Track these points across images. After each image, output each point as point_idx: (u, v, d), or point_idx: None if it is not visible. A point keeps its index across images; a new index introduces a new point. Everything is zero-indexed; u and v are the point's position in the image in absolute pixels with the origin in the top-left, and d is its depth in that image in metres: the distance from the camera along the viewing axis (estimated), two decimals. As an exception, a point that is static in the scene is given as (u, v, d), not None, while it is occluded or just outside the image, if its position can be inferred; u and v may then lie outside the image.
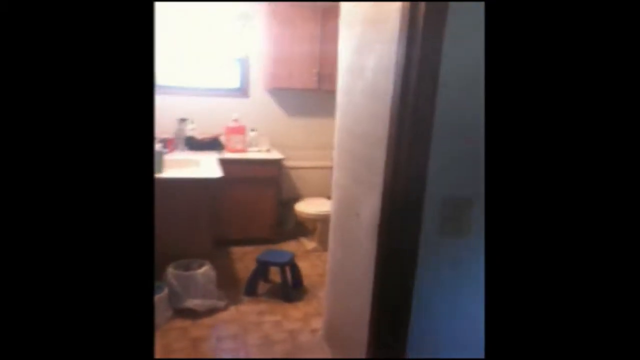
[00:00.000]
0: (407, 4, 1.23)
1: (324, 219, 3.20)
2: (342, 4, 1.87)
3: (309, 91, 3.69)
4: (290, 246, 3.54)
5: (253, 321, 2.41)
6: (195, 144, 3.37)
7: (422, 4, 1.17)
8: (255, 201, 3.41)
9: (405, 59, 1.24)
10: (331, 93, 2.00)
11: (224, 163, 3.19)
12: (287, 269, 2.75)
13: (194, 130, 3.45)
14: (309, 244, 3.58)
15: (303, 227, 3.75)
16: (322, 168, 3.80)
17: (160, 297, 2.23)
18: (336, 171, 2.04)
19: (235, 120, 3.45)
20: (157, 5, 3.29)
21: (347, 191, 1.86)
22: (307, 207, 3.49)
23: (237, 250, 3.37)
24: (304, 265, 3.15)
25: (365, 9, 1.62)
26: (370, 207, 1.58)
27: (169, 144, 3.22)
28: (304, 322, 2.46)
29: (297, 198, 3.79)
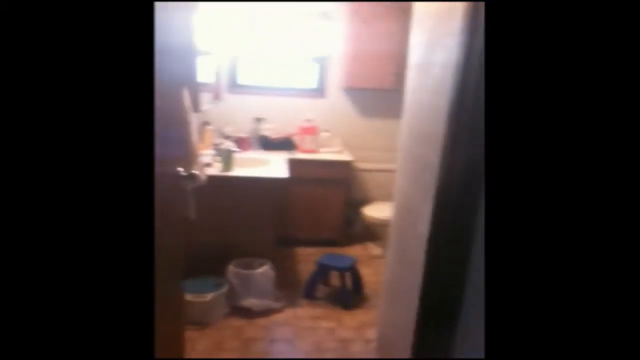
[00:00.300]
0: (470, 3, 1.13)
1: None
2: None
3: (386, 91, 3.59)
4: (356, 250, 3.49)
5: (307, 326, 2.39)
6: (268, 143, 3.44)
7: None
8: (324, 202, 3.40)
9: (465, 54, 1.13)
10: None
11: (295, 163, 3.23)
12: (347, 275, 2.70)
13: (268, 129, 3.52)
14: (376, 249, 3.49)
15: (371, 232, 3.67)
16: (393, 171, 3.67)
17: (219, 294, 2.31)
18: (398, 176, 1.95)
19: (309, 120, 3.46)
20: (238, 4, 3.39)
21: (407, 198, 1.76)
22: (376, 211, 3.40)
23: (301, 251, 3.39)
24: (367, 272, 3.08)
25: (437, 4, 1.51)
26: (426, 216, 1.48)
27: (243, 142, 3.32)
28: (359, 331, 2.40)
29: (366, 201, 3.72)
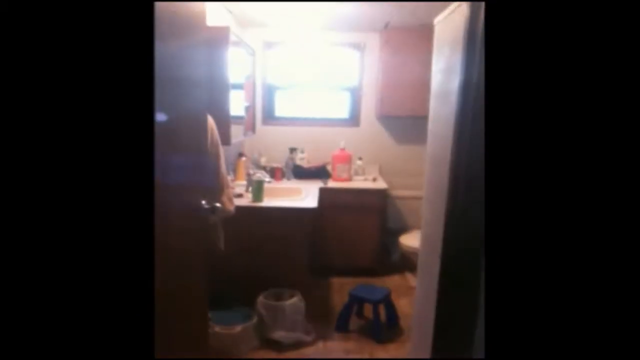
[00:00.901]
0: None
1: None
2: (436, 25, 1.75)
3: (420, 118, 3.52)
4: (393, 280, 3.38)
5: (338, 360, 2.32)
6: (301, 173, 3.46)
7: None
8: (359, 231, 3.34)
9: (463, 82, 1.09)
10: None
11: (329, 192, 3.22)
12: (381, 307, 2.61)
13: (302, 159, 3.55)
14: (414, 279, 3.37)
15: (409, 261, 3.55)
16: (432, 199, 3.58)
17: (248, 326, 2.29)
18: (424, 204, 1.89)
19: (342, 148, 3.47)
20: (275, 37, 3.50)
21: (431, 228, 1.70)
22: (413, 240, 3.30)
23: (336, 281, 3.33)
24: (403, 303, 2.97)
25: (455, 30, 1.48)
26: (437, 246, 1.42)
27: (277, 172, 3.36)
28: (393, 367, 2.30)
29: (404, 229, 3.62)
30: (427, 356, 1.78)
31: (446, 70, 1.53)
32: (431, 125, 1.73)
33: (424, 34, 3.29)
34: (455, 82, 1.40)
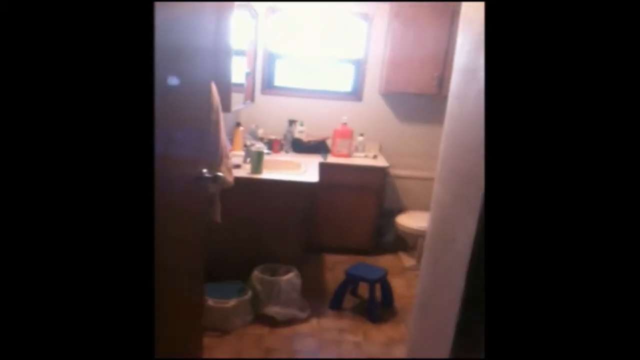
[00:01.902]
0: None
1: (425, 236, 2.95)
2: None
3: (427, 96, 3.44)
4: (387, 260, 3.35)
5: (332, 339, 2.28)
6: (300, 146, 3.36)
7: None
8: (355, 209, 3.28)
9: None
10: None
11: (327, 167, 3.13)
12: (377, 287, 2.57)
13: (302, 132, 3.44)
14: (408, 260, 3.34)
15: (403, 241, 3.52)
16: (430, 179, 3.50)
17: (242, 300, 2.23)
18: (437, 185, 1.81)
19: (344, 123, 3.36)
20: (273, 5, 3.34)
21: (446, 210, 1.63)
22: (409, 220, 3.25)
23: (330, 259, 3.28)
24: (398, 283, 2.94)
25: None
26: (468, 233, 1.34)
27: (275, 144, 3.25)
28: (387, 347, 2.26)
29: (400, 209, 3.57)
30: (427, 341, 1.75)
31: (476, 44, 1.43)
32: (453, 102, 1.64)
33: (437, 8, 3.18)
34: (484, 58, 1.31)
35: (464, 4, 1.63)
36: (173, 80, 1.15)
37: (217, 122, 2.02)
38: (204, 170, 1.57)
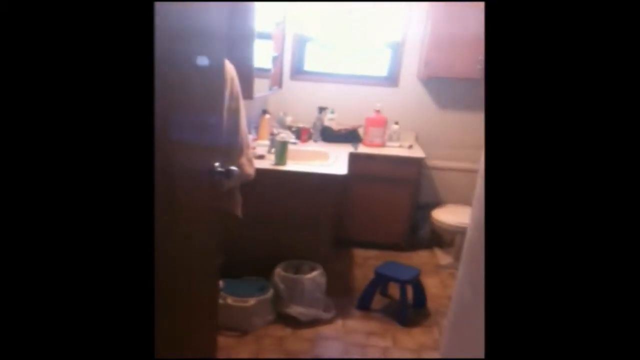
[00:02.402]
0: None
1: (464, 232, 2.69)
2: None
3: (470, 82, 3.17)
4: (421, 257, 3.15)
5: (358, 342, 2.13)
6: (330, 135, 3.19)
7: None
8: (388, 202, 3.08)
9: None
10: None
11: (358, 158, 2.96)
12: (409, 288, 2.39)
13: (332, 120, 3.27)
14: (444, 258, 3.13)
15: (439, 237, 3.30)
16: (470, 171, 3.27)
17: (263, 299, 2.12)
18: (480, 180, 1.61)
19: (377, 111, 3.16)
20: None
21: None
22: (447, 215, 3.03)
23: (359, 254, 3.12)
24: (432, 283, 2.75)
25: None
26: None
27: (303, 133, 3.10)
28: (417, 354, 2.09)
29: (436, 203, 3.35)
30: (462, 352, 1.57)
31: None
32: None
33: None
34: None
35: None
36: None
37: (236, 110, 1.88)
38: (216, 164, 1.44)
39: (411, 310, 2.41)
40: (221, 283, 2.04)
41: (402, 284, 2.34)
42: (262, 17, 2.25)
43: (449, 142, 3.42)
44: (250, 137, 2.33)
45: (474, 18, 2.92)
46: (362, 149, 3.07)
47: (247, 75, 2.09)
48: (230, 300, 2.05)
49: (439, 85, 3.33)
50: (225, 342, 1.98)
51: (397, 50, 3.33)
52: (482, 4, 2.87)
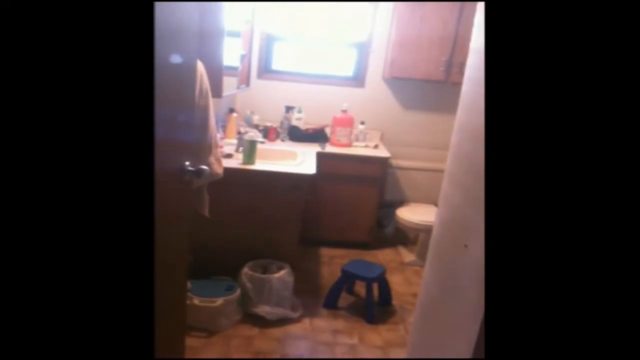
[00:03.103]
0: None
1: (427, 230, 2.80)
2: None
3: (433, 83, 3.25)
4: (386, 255, 3.21)
5: (325, 341, 2.16)
6: (298, 135, 3.20)
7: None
8: (355, 201, 3.12)
9: None
10: (459, 86, 1.60)
11: (325, 157, 2.98)
12: (375, 286, 2.44)
13: (300, 119, 3.27)
14: (408, 255, 3.21)
15: (404, 235, 3.38)
16: (434, 171, 3.36)
17: (230, 300, 2.10)
18: (446, 182, 1.65)
19: (344, 110, 3.19)
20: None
21: (456, 211, 1.47)
22: (411, 214, 3.11)
23: (326, 252, 3.15)
24: (397, 280, 2.81)
25: None
26: (483, 240, 1.20)
27: (270, 132, 3.09)
28: (384, 351, 2.14)
29: (401, 201, 3.42)
30: (431, 351, 1.62)
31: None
32: (469, 88, 1.47)
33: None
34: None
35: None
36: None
37: (205, 108, 1.86)
38: (187, 163, 1.42)
39: (377, 307, 2.45)
40: (188, 284, 2.01)
41: (368, 281, 2.38)
42: (231, 15, 2.23)
43: (413, 142, 3.50)
44: (218, 135, 2.30)
45: (438, 19, 3.00)
46: (329, 148, 3.09)
47: (216, 74, 2.06)
48: (197, 301, 2.02)
49: (403, 86, 3.40)
50: (192, 343, 1.95)
51: (363, 50, 3.37)
52: (446, 6, 2.96)
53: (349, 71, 3.45)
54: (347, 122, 3.18)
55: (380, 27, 3.29)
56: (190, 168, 1.43)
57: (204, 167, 1.49)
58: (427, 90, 3.39)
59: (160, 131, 1.18)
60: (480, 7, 1.43)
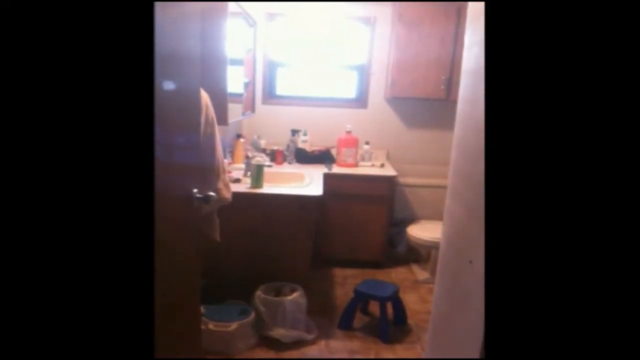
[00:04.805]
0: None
1: (439, 247, 2.78)
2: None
3: (435, 101, 3.29)
4: (399, 273, 3.19)
5: (342, 362, 2.14)
6: (304, 157, 3.23)
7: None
8: (365, 220, 3.13)
9: None
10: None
11: (332, 178, 3.00)
12: (389, 305, 2.42)
13: (305, 142, 3.32)
14: (421, 273, 3.18)
15: (416, 252, 3.36)
16: (441, 187, 3.35)
17: (244, 323, 2.10)
18: (448, 198, 1.67)
19: (348, 131, 3.23)
20: (272, 11, 3.24)
21: (460, 227, 1.48)
22: (421, 231, 3.10)
23: (339, 273, 3.14)
24: (411, 299, 2.79)
25: None
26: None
27: (278, 156, 3.13)
28: (401, 371, 2.11)
29: (411, 219, 3.42)
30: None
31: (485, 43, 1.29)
32: (463, 107, 1.50)
33: (442, 8, 3.05)
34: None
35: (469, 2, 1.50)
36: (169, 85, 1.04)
37: (212, 136, 1.91)
38: (195, 190, 1.45)
39: (392, 327, 2.43)
40: (202, 309, 2.02)
41: (382, 301, 2.37)
42: (232, 43, 2.30)
43: (419, 159, 3.52)
44: (226, 161, 2.35)
45: (436, 39, 3.07)
46: (335, 169, 3.12)
47: (221, 102, 2.12)
48: (212, 326, 2.03)
49: (406, 105, 3.44)
50: (208, 369, 1.95)
51: (364, 72, 3.43)
52: (442, 26, 3.03)
53: (351, 93, 3.50)
54: (351, 143, 3.21)
55: (378, 48, 3.35)
56: (198, 195, 1.46)
57: (211, 193, 1.52)
58: (429, 108, 3.42)
59: (164, 157, 1.21)
60: (469, 30, 1.48)
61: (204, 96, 1.79)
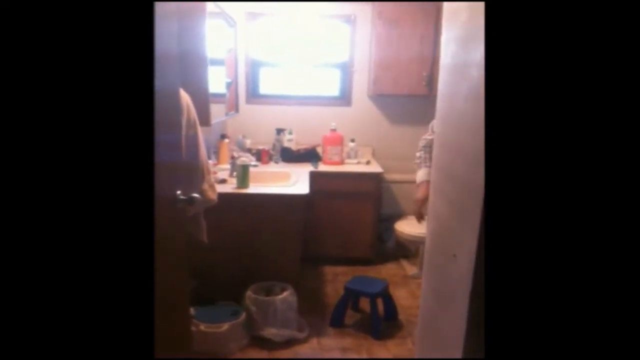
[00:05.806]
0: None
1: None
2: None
3: (417, 97, 3.31)
4: (389, 269, 3.20)
5: (335, 359, 2.14)
6: (290, 156, 3.23)
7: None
8: (353, 217, 3.13)
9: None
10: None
11: (319, 176, 3.00)
12: (379, 301, 2.43)
13: (291, 141, 3.31)
14: (410, 268, 3.20)
15: (405, 248, 3.38)
16: (428, 182, 3.38)
17: (235, 324, 2.09)
18: (432, 194, 1.67)
19: (333, 129, 3.23)
20: (252, 11, 3.22)
21: (443, 223, 1.49)
22: (408, 226, 3.11)
23: (329, 270, 3.14)
24: (401, 294, 2.80)
25: None
26: (469, 249, 1.20)
27: (263, 155, 3.12)
28: (394, 366, 2.12)
29: (399, 215, 3.43)
30: (428, 356, 1.61)
31: (463, 38, 1.30)
32: (442, 104, 1.50)
33: (421, 7, 3.07)
34: (477, 52, 1.17)
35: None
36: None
37: (194, 137, 1.89)
38: (178, 192, 1.43)
39: (383, 322, 2.43)
40: (192, 310, 2.01)
41: (372, 297, 2.37)
42: (212, 44, 2.28)
43: (404, 155, 3.53)
44: (211, 162, 2.33)
45: (415, 37, 3.09)
46: (322, 167, 3.12)
47: (203, 102, 2.10)
48: (203, 327, 2.01)
49: (389, 102, 3.46)
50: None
51: (346, 70, 3.44)
52: (421, 24, 3.04)
53: (335, 91, 3.50)
54: (336, 141, 3.22)
55: (360, 46, 3.36)
56: (182, 197, 1.45)
57: (196, 195, 1.51)
58: (412, 104, 3.44)
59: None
60: (446, 26, 1.48)
61: (185, 97, 1.78)
